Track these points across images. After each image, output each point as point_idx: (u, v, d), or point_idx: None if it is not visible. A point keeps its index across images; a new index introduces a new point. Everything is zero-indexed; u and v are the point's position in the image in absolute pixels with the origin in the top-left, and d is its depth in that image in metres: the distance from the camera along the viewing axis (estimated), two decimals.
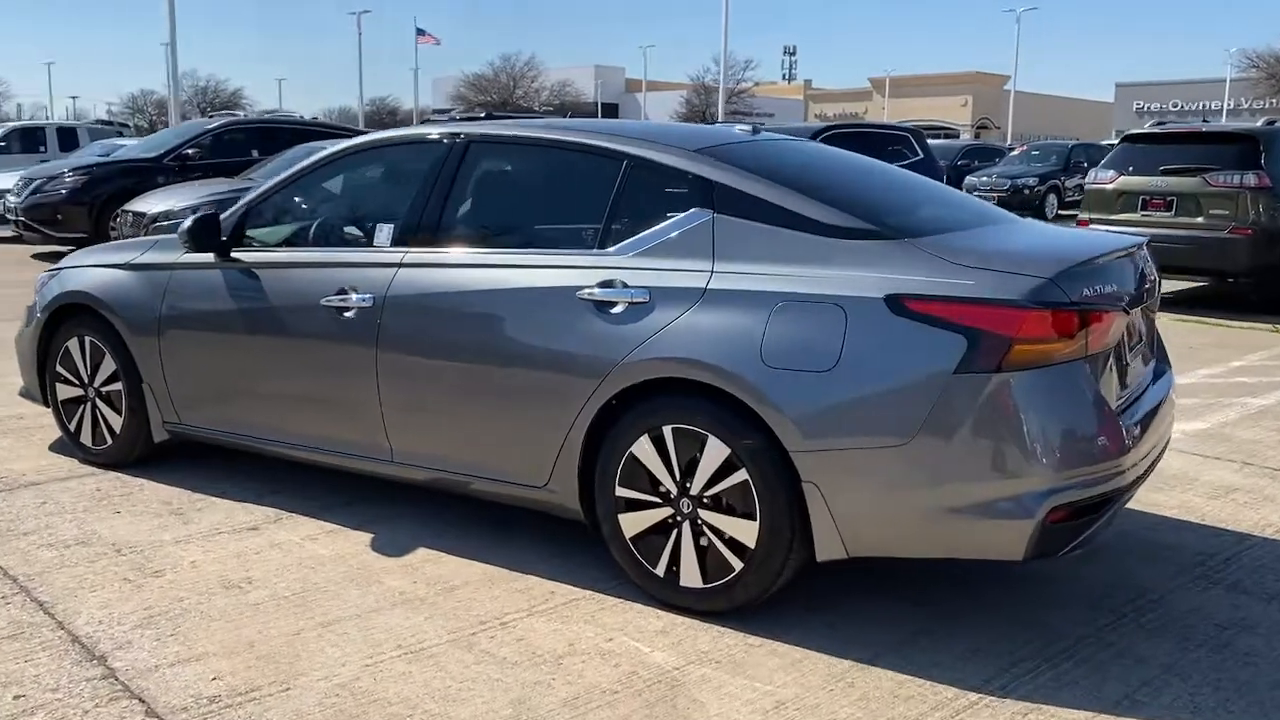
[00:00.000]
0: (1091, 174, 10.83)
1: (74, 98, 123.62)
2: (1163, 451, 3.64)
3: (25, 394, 5.10)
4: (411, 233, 3.88)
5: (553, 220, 3.81)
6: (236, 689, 2.87)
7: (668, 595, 3.37)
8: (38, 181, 12.62)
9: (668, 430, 3.27)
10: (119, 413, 4.64)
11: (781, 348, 3.10)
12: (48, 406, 4.96)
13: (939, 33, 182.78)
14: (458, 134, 3.95)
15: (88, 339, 4.69)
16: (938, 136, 35.38)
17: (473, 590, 3.51)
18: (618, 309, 3.36)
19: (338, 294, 3.90)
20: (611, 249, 3.47)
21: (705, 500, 3.24)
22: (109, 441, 4.71)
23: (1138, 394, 3.45)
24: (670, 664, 3.04)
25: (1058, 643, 3.19)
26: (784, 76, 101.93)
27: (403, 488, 4.19)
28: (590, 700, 2.83)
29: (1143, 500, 4.46)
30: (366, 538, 3.96)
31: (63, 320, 4.79)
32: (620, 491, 3.39)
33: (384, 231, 3.95)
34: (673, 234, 3.39)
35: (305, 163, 4.34)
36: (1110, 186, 10.37)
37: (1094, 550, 3.87)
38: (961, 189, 23.54)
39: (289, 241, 4.30)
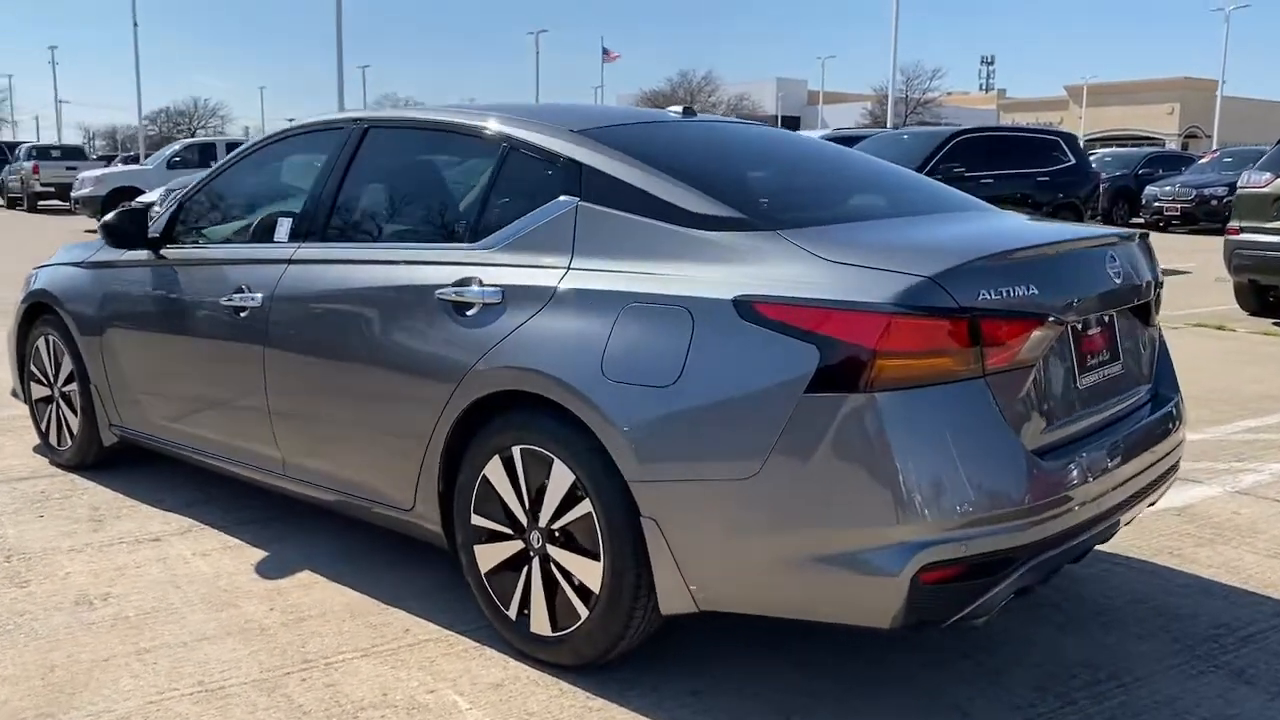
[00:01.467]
0: (1244, 175, 9.58)
1: (290, 119, 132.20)
2: (1150, 497, 2.93)
3: (14, 394, 5.10)
4: (304, 227, 3.58)
5: (432, 211, 3.43)
6: None
7: (518, 641, 2.92)
8: (178, 194, 13.15)
9: (516, 451, 2.83)
10: (76, 414, 4.54)
11: (623, 358, 2.61)
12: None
13: (1143, 38, 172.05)
14: (359, 119, 3.63)
15: (51, 338, 4.62)
16: (1132, 145, 32.99)
17: (323, 623, 3.15)
18: (473, 311, 2.94)
19: (236, 292, 3.64)
20: (479, 243, 3.05)
21: (555, 534, 2.78)
22: (70, 443, 4.62)
23: (1101, 424, 2.76)
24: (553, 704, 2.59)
25: None
26: (981, 86, 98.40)
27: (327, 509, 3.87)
28: None
29: (1181, 555, 3.69)
30: (258, 556, 3.67)
31: (34, 319, 4.75)
32: (475, 520, 2.96)
33: (284, 226, 3.66)
34: (536, 225, 2.95)
35: (233, 154, 4.12)
36: (1267, 190, 9.14)
37: (1079, 617, 3.18)
38: (1141, 199, 21.83)
39: (211, 237, 4.08)
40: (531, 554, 2.83)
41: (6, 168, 28.91)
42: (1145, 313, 3.04)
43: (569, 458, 2.69)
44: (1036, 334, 2.47)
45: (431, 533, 3.13)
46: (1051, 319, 2.51)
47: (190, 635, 3.07)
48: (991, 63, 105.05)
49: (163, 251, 4.07)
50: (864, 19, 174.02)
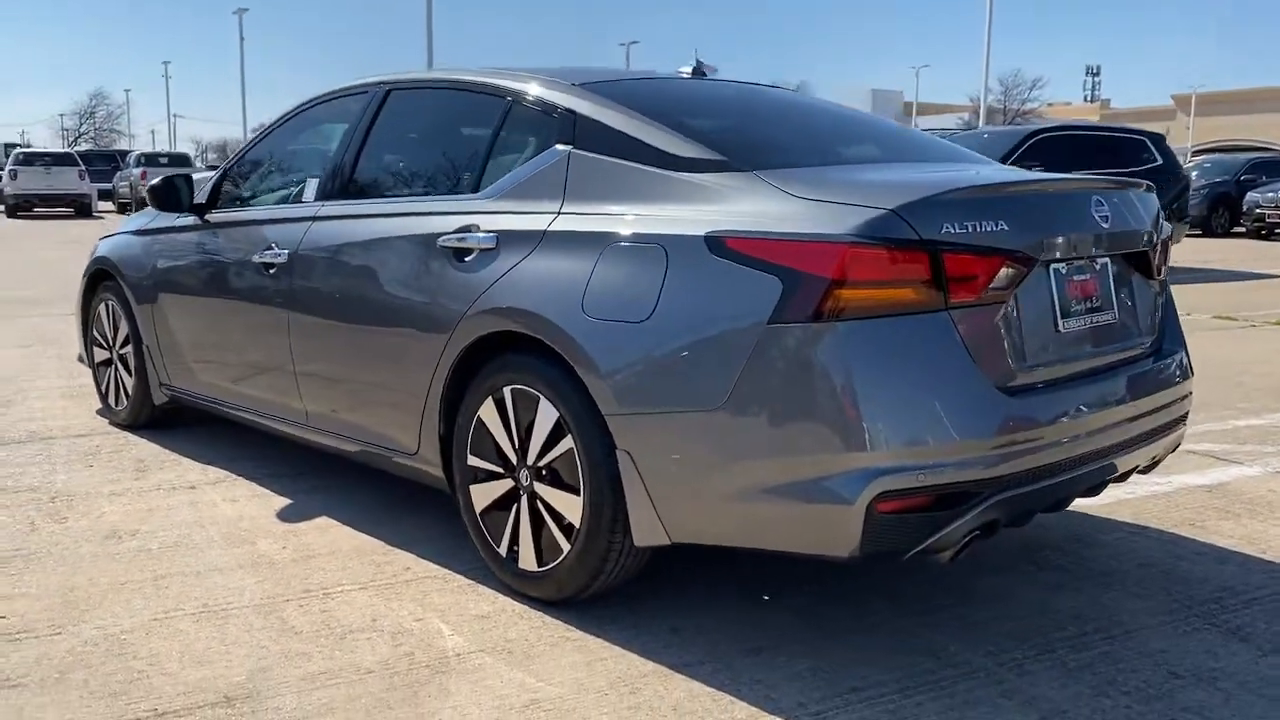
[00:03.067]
0: None
1: None
2: (1148, 451, 2.88)
3: (80, 359, 5.38)
4: (329, 185, 3.73)
5: (443, 165, 3.53)
6: (10, 629, 2.77)
7: (508, 578, 3.00)
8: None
9: (508, 391, 2.91)
10: (130, 375, 4.78)
11: (602, 296, 2.68)
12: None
13: (1258, 45, 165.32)
14: (383, 82, 3.77)
15: (110, 303, 4.87)
16: (1235, 151, 31.72)
17: (329, 560, 3.28)
18: (470, 257, 3.04)
19: (266, 250, 3.81)
20: (482, 192, 3.16)
21: (541, 471, 2.85)
22: (125, 403, 4.86)
23: (1088, 371, 2.73)
24: (458, 649, 2.67)
25: (935, 672, 2.55)
26: (1085, 97, 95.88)
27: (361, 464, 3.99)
28: (333, 677, 2.52)
29: (1203, 527, 3.60)
30: (282, 504, 3.83)
31: (96, 287, 5.01)
32: (471, 460, 3.06)
33: (311, 186, 3.83)
34: (532, 173, 3.04)
35: (274, 121, 4.31)
36: None
37: (1079, 576, 3.14)
38: (1243, 206, 21.06)
39: (250, 201, 4.26)
40: (520, 492, 2.91)
41: (118, 175, 30.23)
42: (1145, 263, 2.99)
43: (554, 395, 2.77)
44: (1004, 270, 2.46)
45: (434, 476, 3.24)
46: (1020, 256, 2.49)
47: (204, 566, 3.22)
48: (1097, 73, 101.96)
49: (207, 216, 4.27)
50: (961, 28, 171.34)
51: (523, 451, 2.89)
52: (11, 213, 26.75)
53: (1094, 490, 2.84)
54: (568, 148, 2.97)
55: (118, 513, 3.72)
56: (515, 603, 2.95)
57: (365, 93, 3.79)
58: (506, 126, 3.22)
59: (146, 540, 3.44)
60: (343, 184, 3.67)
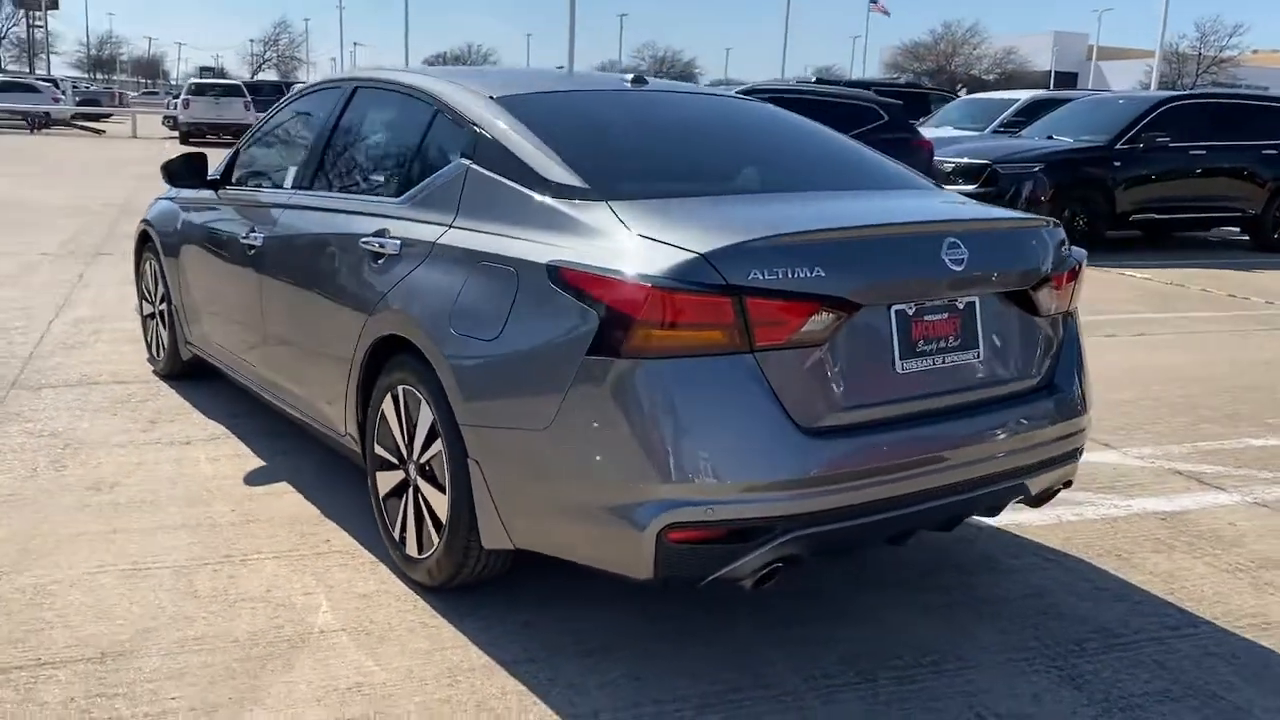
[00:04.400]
0: None
1: (559, 67, 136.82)
2: (1036, 485, 2.92)
3: (136, 309, 5.88)
4: (301, 175, 3.99)
5: (380, 166, 3.73)
6: None
7: (399, 560, 3.24)
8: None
9: (401, 390, 3.13)
10: (166, 330, 5.23)
11: (466, 311, 2.86)
12: None
13: None
14: (352, 79, 3.99)
15: (151, 262, 5.31)
16: None
17: (265, 526, 3.59)
18: (381, 260, 3.26)
19: (250, 232, 4.12)
20: (400, 197, 3.35)
21: (424, 468, 3.07)
22: (162, 355, 5.32)
23: (937, 408, 2.75)
24: (325, 626, 2.93)
25: (742, 691, 2.67)
26: None
27: None
28: (203, 644, 2.82)
29: (1127, 559, 3.55)
30: (255, 465, 4.17)
31: (144, 245, 5.46)
32: (376, 448, 3.30)
33: (290, 174, 4.10)
34: (438, 184, 3.21)
35: (274, 106, 4.59)
36: None
37: (956, 603, 3.18)
38: None
39: (250, 181, 4.57)
40: (409, 484, 3.14)
41: None
42: (1028, 302, 2.95)
43: (430, 400, 2.97)
44: (818, 315, 2.51)
45: (358, 455, 3.50)
46: (839, 301, 2.53)
47: (156, 524, 3.59)
48: None
49: (220, 192, 4.61)
50: None
51: (410, 448, 3.11)
52: (184, 139, 28.48)
53: (948, 525, 2.88)
54: (467, 162, 3.13)
55: (111, 464, 4.13)
56: (401, 585, 3.19)
57: (339, 88, 4.02)
58: (431, 133, 3.39)
59: (120, 494, 3.83)
60: (310, 175, 3.93)
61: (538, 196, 2.86)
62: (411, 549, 3.14)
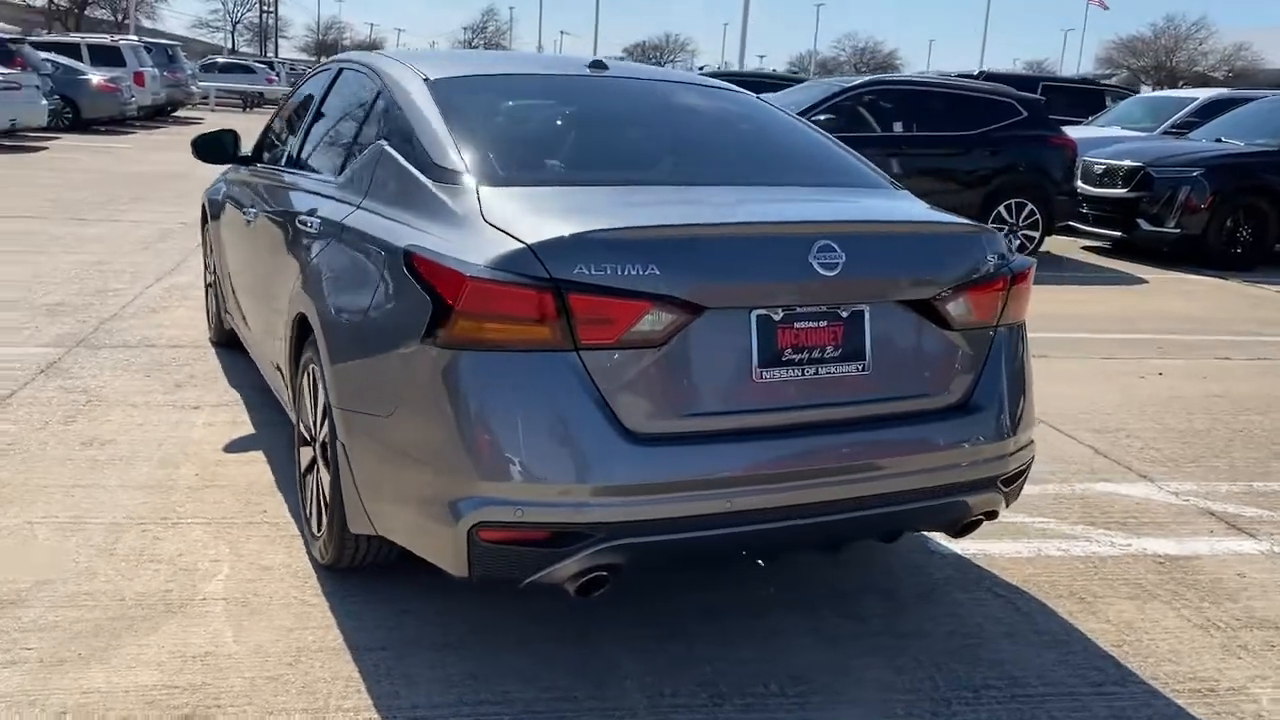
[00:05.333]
0: None
1: (761, 56, 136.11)
2: (938, 516, 2.71)
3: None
4: (289, 154, 4.09)
5: (332, 145, 3.75)
6: None
7: (307, 535, 3.28)
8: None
9: (313, 369, 3.16)
10: (212, 299, 5.49)
11: (345, 292, 2.86)
12: None
13: None
14: (339, 60, 4.05)
15: (208, 235, 5.58)
16: None
17: (216, 492, 3.71)
18: (306, 240, 3.30)
19: (250, 206, 4.26)
20: (339, 177, 3.38)
21: (322, 445, 3.09)
22: (213, 321, 5.59)
23: (804, 421, 2.55)
24: (210, 594, 3.00)
25: (577, 701, 2.57)
26: None
27: None
28: (89, 600, 2.92)
29: (1090, 604, 3.22)
30: (243, 433, 4.32)
31: (202, 217, 5.74)
32: (299, 425, 3.35)
33: (284, 152, 4.21)
34: (360, 164, 3.22)
35: (294, 86, 4.72)
36: None
37: (871, 633, 2.96)
38: None
39: (268, 159, 4.71)
40: (316, 461, 3.17)
41: None
42: (934, 313, 2.70)
43: (321, 379, 2.98)
44: (652, 315, 2.36)
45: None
46: (677, 301, 2.38)
47: (121, 482, 3.76)
48: None
49: (246, 169, 4.78)
50: None
51: (316, 426, 3.13)
52: None
53: (828, 546, 2.69)
54: (383, 144, 3.12)
55: (116, 422, 4.36)
56: (306, 562, 3.22)
57: (329, 69, 4.09)
58: (371, 114, 3.40)
59: (106, 451, 4.04)
60: (294, 153, 4.02)
61: (425, 180, 2.82)
62: (313, 526, 3.18)
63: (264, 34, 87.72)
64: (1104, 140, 12.28)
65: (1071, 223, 11.18)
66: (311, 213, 3.31)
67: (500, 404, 2.36)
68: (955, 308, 2.72)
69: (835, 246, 2.52)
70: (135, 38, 28.90)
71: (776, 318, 2.51)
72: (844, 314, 2.59)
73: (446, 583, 3.04)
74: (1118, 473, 4.42)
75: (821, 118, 9.78)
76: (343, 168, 3.38)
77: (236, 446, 4.16)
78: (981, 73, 15.46)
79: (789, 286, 2.51)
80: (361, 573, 3.11)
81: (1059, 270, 10.33)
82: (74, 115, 20.57)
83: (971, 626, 3.05)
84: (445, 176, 2.77)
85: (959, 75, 15.11)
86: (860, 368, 2.61)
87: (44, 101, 17.17)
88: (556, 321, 2.33)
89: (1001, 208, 10.31)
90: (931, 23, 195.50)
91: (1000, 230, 2.88)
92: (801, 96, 10.49)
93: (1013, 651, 2.92)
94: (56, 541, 3.27)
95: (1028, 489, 4.08)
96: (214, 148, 4.78)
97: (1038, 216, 10.41)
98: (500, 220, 2.50)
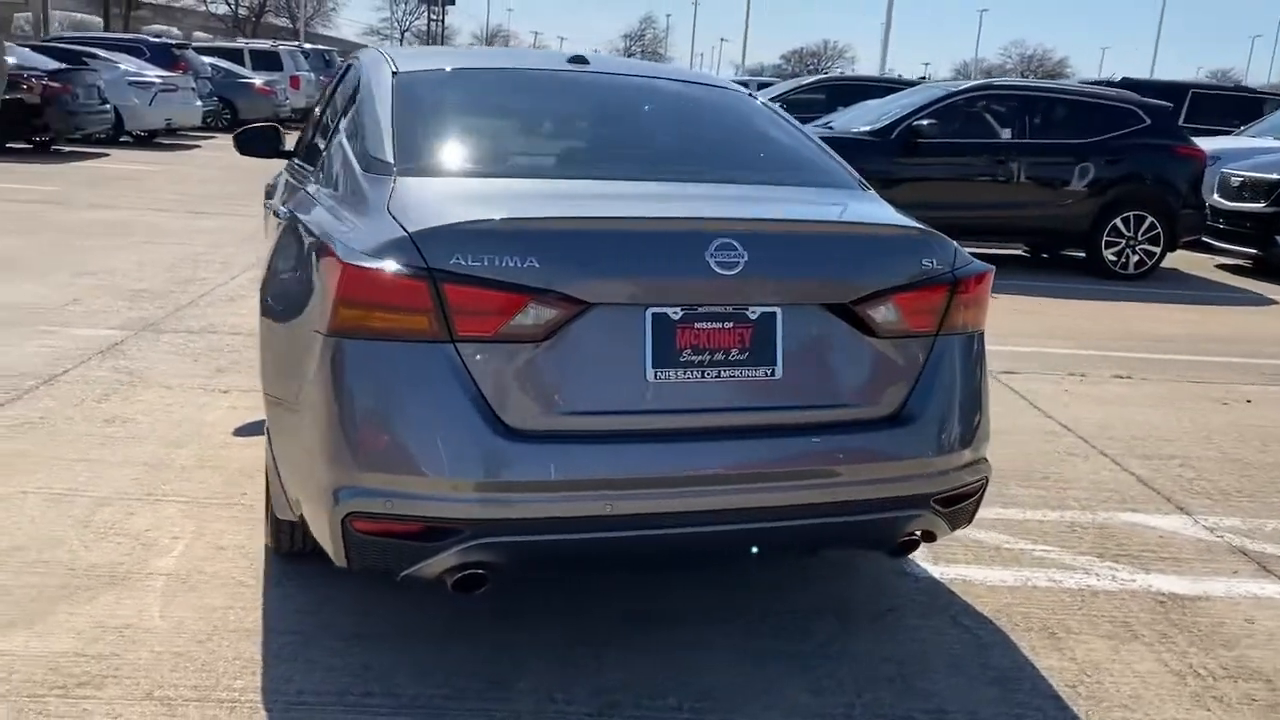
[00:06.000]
0: None
1: (925, 64, 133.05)
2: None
3: None
4: (300, 148, 4.19)
5: (321, 138, 3.80)
6: None
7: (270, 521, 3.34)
8: None
9: None
10: None
11: (276, 281, 2.92)
12: None
13: None
14: (352, 55, 4.12)
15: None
16: None
17: (208, 473, 3.82)
18: (275, 229, 3.37)
19: (268, 199, 4.39)
20: (316, 169, 3.44)
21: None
22: None
23: (702, 426, 2.45)
24: (158, 570, 3.08)
25: (458, 700, 2.53)
26: None
27: None
28: (42, 567, 3.05)
29: (1059, 640, 3.00)
30: (256, 418, 4.44)
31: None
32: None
33: (300, 146, 4.31)
34: (325, 156, 3.27)
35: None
36: None
37: (804, 654, 2.84)
38: None
39: (294, 153, 4.83)
40: None
41: None
42: (854, 318, 2.54)
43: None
44: (532, 308, 2.31)
45: None
46: (558, 295, 2.31)
47: (123, 459, 3.92)
48: None
49: (286, 161, 4.93)
50: None
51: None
52: None
53: (732, 556, 2.58)
54: (341, 135, 3.15)
55: (145, 402, 4.56)
56: (261, 544, 3.28)
57: (346, 65, 4.17)
58: (350, 107, 3.43)
59: (124, 429, 4.22)
60: (303, 146, 4.11)
61: (358, 171, 2.83)
62: (275, 510, 3.23)
63: (431, 41, 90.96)
64: (1249, 151, 11.49)
65: (1206, 238, 10.49)
66: (284, 202, 3.37)
67: (376, 394, 2.35)
68: (882, 314, 2.56)
69: (736, 245, 2.41)
70: (294, 43, 30.33)
71: (675, 317, 2.42)
72: (752, 315, 2.47)
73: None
74: (1152, 503, 4.10)
75: (925, 123, 9.47)
76: (320, 160, 3.43)
77: (247, 430, 4.28)
78: (1122, 79, 14.64)
79: (686, 285, 2.41)
80: (312, 558, 3.13)
81: (1182, 288, 9.72)
82: (232, 116, 21.75)
83: (916, 655, 2.87)
84: (375, 167, 2.77)
85: (1093, 82, 14.38)
86: (769, 373, 2.48)
87: (199, 103, 18.20)
88: (432, 312, 2.29)
89: (1118, 220, 9.76)
90: (1105, 30, 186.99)
91: (945, 236, 2.70)
92: (907, 101, 10.18)
93: (951, 684, 2.73)
94: (41, 511, 3.42)
95: (1038, 514, 3.87)
96: (254, 141, 4.93)
97: (1159, 231, 9.80)
98: (399, 209, 2.48)
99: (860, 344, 2.57)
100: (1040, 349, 6.71)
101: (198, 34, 48.43)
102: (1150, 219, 9.78)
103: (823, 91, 16.02)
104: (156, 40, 21.97)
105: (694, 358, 2.43)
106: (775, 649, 2.85)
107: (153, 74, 17.47)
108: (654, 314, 2.40)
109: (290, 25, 58.59)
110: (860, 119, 10.25)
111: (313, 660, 2.66)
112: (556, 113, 3.33)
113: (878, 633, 2.98)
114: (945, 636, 2.98)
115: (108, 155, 15.74)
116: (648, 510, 2.39)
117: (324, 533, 2.44)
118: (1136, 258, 9.84)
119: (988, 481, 2.81)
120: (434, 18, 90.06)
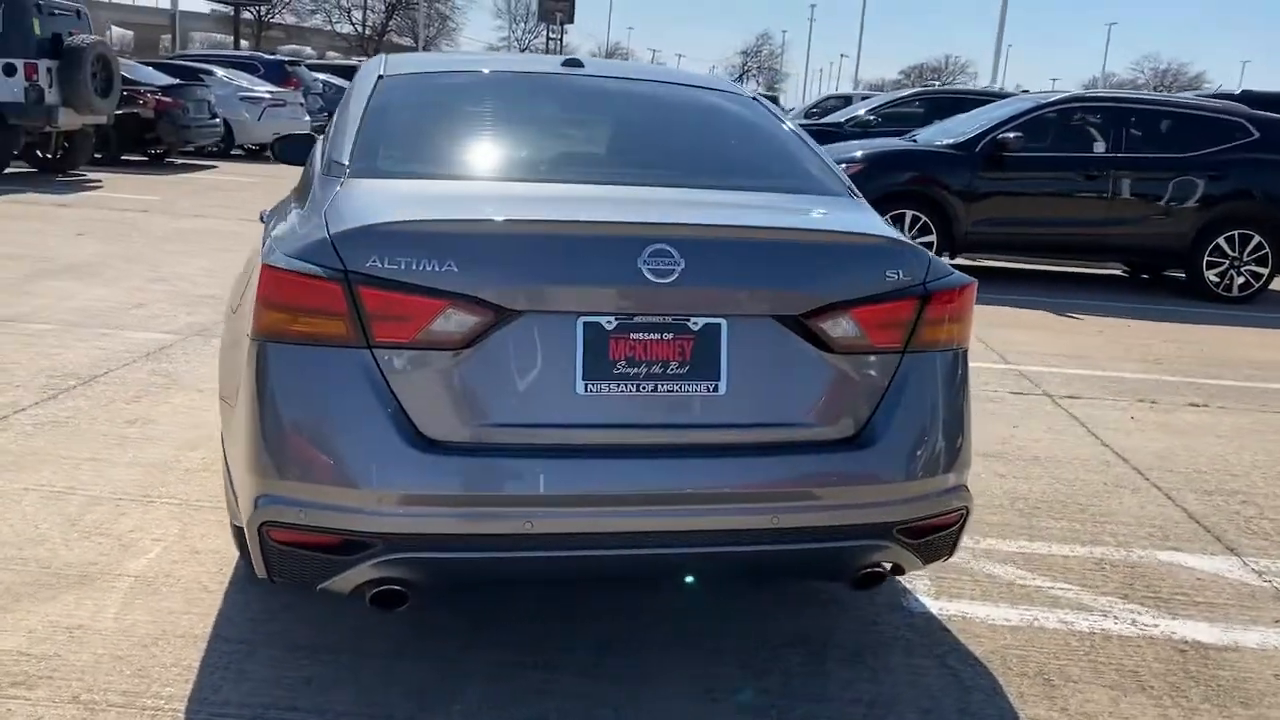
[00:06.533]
0: None
1: (1053, 80, 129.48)
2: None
3: None
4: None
5: (318, 144, 3.77)
6: None
7: None
8: None
9: None
10: None
11: (235, 285, 2.88)
12: None
13: None
14: (364, 62, 4.11)
15: None
16: None
17: (206, 477, 3.83)
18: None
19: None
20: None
21: None
22: None
23: (637, 443, 2.31)
24: (130, 572, 3.08)
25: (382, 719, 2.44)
26: None
27: None
28: (20, 564, 3.08)
29: (1051, 689, 2.76)
30: None
31: None
32: None
33: None
34: (308, 160, 3.24)
35: None
36: None
37: (738, 685, 2.67)
38: None
39: None
40: None
41: None
42: (808, 332, 2.37)
43: None
44: (451, 314, 2.20)
45: None
46: (479, 301, 2.20)
47: (132, 460, 3.96)
48: None
49: None
50: None
51: None
52: None
53: (666, 578, 2.44)
54: (319, 138, 3.12)
55: (173, 405, 4.62)
56: (233, 550, 3.25)
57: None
58: (339, 110, 3.41)
59: (143, 431, 4.28)
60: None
61: (318, 172, 2.79)
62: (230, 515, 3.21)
63: None
64: None
65: None
66: (269, 208, 3.36)
67: (294, 399, 2.28)
68: (840, 328, 2.38)
69: (672, 251, 2.26)
70: None
71: (608, 326, 2.28)
72: (695, 327, 2.32)
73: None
74: (1198, 542, 3.78)
75: (1011, 135, 9.09)
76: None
77: None
78: (1242, 91, 13.87)
79: (619, 293, 2.28)
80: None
81: None
82: None
83: (887, 697, 2.66)
84: (333, 170, 2.72)
85: (1209, 95, 13.66)
86: (712, 388, 2.33)
87: (307, 117, 18.73)
88: (348, 316, 2.22)
89: (1221, 239, 9.20)
90: (1246, 43, 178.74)
91: (917, 245, 2.50)
92: (994, 113, 9.81)
93: None
94: (35, 508, 3.47)
95: (1064, 549, 3.60)
96: (293, 149, 4.97)
97: (1267, 251, 9.20)
98: (333, 211, 2.42)
99: (816, 360, 2.39)
100: (1113, 373, 6.33)
101: (330, 53, 50.23)
102: (1257, 238, 9.20)
103: (921, 104, 15.60)
104: (270, 57, 22.74)
105: (629, 370, 2.29)
106: (734, 684, 2.68)
107: (263, 90, 18.07)
108: (586, 323, 2.28)
109: (414, 44, 60.15)
110: (945, 132, 9.91)
111: (249, 672, 2.61)
112: (529, 115, 3.23)
113: (852, 670, 2.78)
114: (926, 678, 2.76)
115: (215, 167, 16.33)
116: (571, 530, 2.26)
117: (244, 542, 2.39)
118: (1241, 279, 9.26)
119: (968, 512, 2.59)
120: (552, 36, 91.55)
